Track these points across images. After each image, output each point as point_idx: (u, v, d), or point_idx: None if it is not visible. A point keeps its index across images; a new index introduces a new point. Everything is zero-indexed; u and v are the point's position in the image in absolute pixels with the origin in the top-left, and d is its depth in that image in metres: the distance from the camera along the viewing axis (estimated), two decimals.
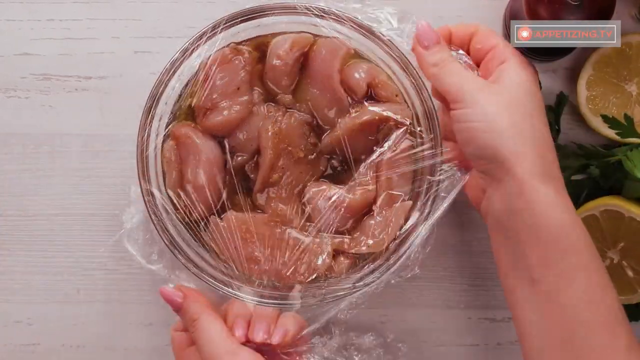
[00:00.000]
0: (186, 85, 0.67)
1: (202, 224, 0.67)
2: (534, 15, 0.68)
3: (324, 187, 0.67)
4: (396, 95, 0.67)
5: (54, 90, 0.77)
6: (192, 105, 0.67)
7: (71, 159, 0.77)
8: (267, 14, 0.66)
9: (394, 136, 0.67)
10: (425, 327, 0.78)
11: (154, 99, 0.65)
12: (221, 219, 0.67)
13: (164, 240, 0.65)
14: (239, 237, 0.66)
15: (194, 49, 0.65)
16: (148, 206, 0.65)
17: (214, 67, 0.66)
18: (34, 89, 0.77)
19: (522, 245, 0.61)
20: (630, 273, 0.72)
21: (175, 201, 0.67)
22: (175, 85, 0.66)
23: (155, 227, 0.65)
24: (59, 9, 0.77)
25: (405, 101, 0.67)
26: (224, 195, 0.67)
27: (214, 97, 0.67)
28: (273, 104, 0.68)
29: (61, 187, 0.77)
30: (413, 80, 0.66)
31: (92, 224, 0.77)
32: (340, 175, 0.69)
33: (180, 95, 0.67)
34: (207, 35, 0.65)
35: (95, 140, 0.77)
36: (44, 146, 0.77)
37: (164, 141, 0.67)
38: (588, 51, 0.74)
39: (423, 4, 0.76)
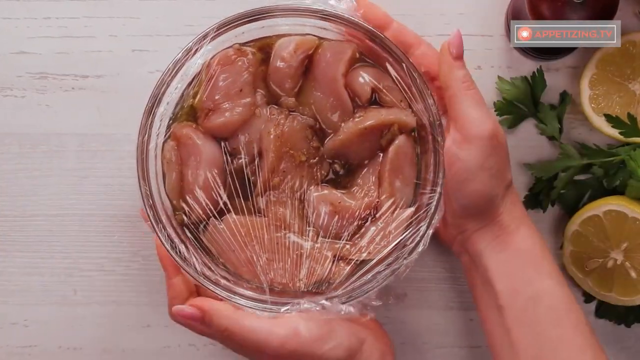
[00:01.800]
0: (188, 85, 0.66)
1: (201, 226, 0.67)
2: (536, 14, 0.68)
3: (326, 191, 0.67)
4: (400, 101, 0.66)
5: (50, 89, 0.76)
6: (194, 105, 0.67)
7: (68, 159, 0.77)
8: (272, 15, 0.65)
9: (397, 142, 0.66)
10: (427, 328, 0.77)
11: (156, 98, 0.65)
12: (221, 221, 0.66)
13: (162, 242, 0.64)
14: (239, 240, 0.66)
15: (197, 49, 0.65)
16: (147, 207, 0.64)
17: (217, 68, 0.65)
18: (30, 88, 0.76)
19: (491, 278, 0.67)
20: (633, 274, 0.72)
21: (174, 202, 0.66)
22: (178, 86, 0.66)
23: (154, 229, 0.64)
24: (55, 6, 0.76)
25: (410, 107, 0.66)
26: (224, 198, 0.66)
27: (216, 98, 0.66)
28: (276, 107, 0.67)
29: (58, 187, 0.77)
30: (418, 87, 0.65)
31: (89, 224, 0.77)
32: (342, 180, 0.68)
33: (182, 96, 0.67)
34: (211, 35, 0.65)
35: (92, 140, 0.76)
36: (40, 146, 0.77)
37: (164, 141, 0.66)
38: (591, 50, 0.74)
39: (427, 3, 0.76)
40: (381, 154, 0.67)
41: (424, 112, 0.65)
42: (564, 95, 0.76)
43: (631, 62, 0.73)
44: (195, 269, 0.64)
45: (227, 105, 0.66)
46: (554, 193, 0.74)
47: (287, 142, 0.66)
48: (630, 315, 0.75)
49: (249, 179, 0.67)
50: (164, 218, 0.65)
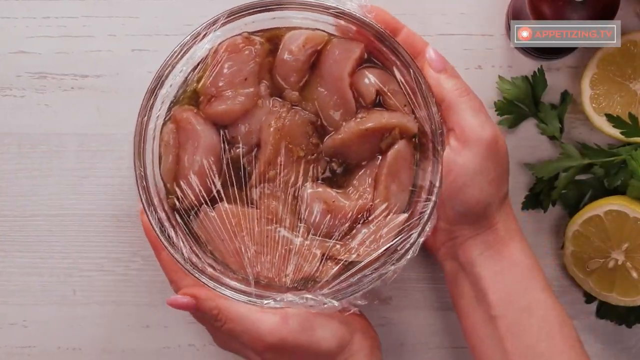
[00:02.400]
0: (193, 69, 0.66)
1: (193, 212, 0.66)
2: (537, 14, 0.67)
3: (320, 189, 0.66)
4: (404, 106, 0.66)
5: (50, 89, 0.76)
6: (197, 90, 0.66)
7: (68, 159, 0.77)
8: (286, 7, 0.65)
9: (397, 147, 0.66)
10: (424, 329, 0.77)
11: (159, 80, 0.64)
12: (212, 209, 0.66)
13: (152, 224, 0.64)
14: (229, 229, 0.65)
15: (205, 34, 0.64)
16: (140, 188, 0.64)
17: (224, 55, 0.65)
18: (29, 88, 0.76)
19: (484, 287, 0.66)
20: (634, 274, 0.71)
21: (168, 186, 0.66)
22: (182, 69, 0.65)
23: (145, 210, 0.64)
24: (55, 6, 0.76)
25: (413, 112, 0.66)
26: (218, 186, 0.66)
27: (219, 85, 0.66)
28: (279, 99, 0.67)
29: (58, 187, 0.77)
30: (423, 93, 0.65)
31: (89, 224, 0.77)
32: (338, 180, 0.68)
33: (185, 79, 0.66)
34: (221, 21, 0.64)
35: (92, 139, 0.76)
36: (40, 146, 0.76)
37: (163, 123, 0.66)
38: (592, 49, 0.73)
39: (428, 2, 0.76)
40: (380, 157, 0.67)
41: (427, 119, 0.65)
42: (564, 95, 0.75)
43: (632, 61, 0.73)
44: (183, 254, 0.64)
45: (230, 93, 0.66)
46: (555, 193, 0.74)
47: (286, 135, 0.66)
48: (631, 315, 0.75)
49: (244, 169, 0.66)
50: (156, 200, 0.64)
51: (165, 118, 0.66)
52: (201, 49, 0.65)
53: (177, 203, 0.66)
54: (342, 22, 0.66)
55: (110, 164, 0.76)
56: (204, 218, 0.66)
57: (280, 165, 0.66)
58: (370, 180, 0.67)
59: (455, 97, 0.65)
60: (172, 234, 0.65)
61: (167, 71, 0.64)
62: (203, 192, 0.66)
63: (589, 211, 0.72)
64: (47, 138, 0.76)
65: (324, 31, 0.67)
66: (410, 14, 0.75)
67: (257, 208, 0.66)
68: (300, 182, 0.67)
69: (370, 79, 0.66)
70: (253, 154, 0.67)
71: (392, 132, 0.66)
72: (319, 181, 0.67)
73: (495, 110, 0.75)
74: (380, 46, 0.66)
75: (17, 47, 0.76)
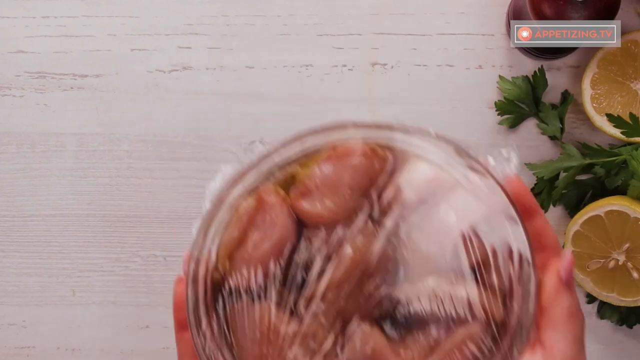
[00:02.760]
0: (303, 156, 0.60)
1: (234, 296, 0.59)
2: (538, 13, 0.67)
3: (374, 333, 0.59)
4: (499, 288, 0.59)
5: (49, 89, 0.76)
6: (296, 177, 0.60)
7: (67, 159, 0.76)
8: (429, 141, 0.59)
9: (469, 327, 0.59)
10: None
11: (267, 156, 0.59)
12: (257, 305, 0.59)
13: (188, 300, 0.58)
14: (264, 333, 0.59)
15: (329, 130, 0.59)
16: (194, 258, 0.58)
17: (340, 155, 0.59)
18: (29, 88, 0.76)
19: None
20: (635, 274, 0.71)
21: (220, 261, 0.59)
22: (291, 151, 0.59)
23: (187, 285, 0.58)
24: (54, 5, 0.76)
25: (504, 299, 0.58)
26: (273, 286, 0.59)
27: (321, 183, 0.59)
28: (375, 224, 0.60)
29: (56, 187, 0.76)
30: (527, 289, 0.58)
31: (88, 224, 0.76)
32: (396, 329, 0.60)
33: (288, 161, 0.60)
34: (349, 126, 0.59)
35: (91, 139, 0.76)
36: (39, 145, 0.76)
37: (246, 196, 0.59)
38: (593, 49, 0.73)
39: (427, 2, 0.75)
40: (449, 328, 0.59)
41: (516, 313, 0.58)
42: (565, 95, 0.75)
43: (633, 61, 0.73)
44: (205, 344, 0.58)
45: (327, 196, 0.60)
46: (556, 193, 0.74)
47: (366, 265, 0.59)
48: (632, 316, 0.75)
49: (307, 281, 0.59)
50: (201, 271, 0.59)
51: (248, 190, 0.59)
52: (318, 139, 0.59)
53: (221, 280, 0.59)
54: (477, 179, 0.59)
55: (109, 164, 0.76)
56: (242, 308, 0.59)
57: (343, 291, 0.59)
58: (427, 346, 0.59)
59: (562, 317, 0.58)
60: (203, 314, 0.59)
61: (277, 148, 0.59)
62: (254, 282, 0.59)
63: (590, 211, 0.72)
64: (46, 138, 0.76)
65: (453, 176, 0.59)
66: (409, 14, 0.75)
67: (301, 324, 0.59)
68: (355, 317, 0.59)
69: (477, 247, 0.59)
70: (321, 266, 0.59)
71: (473, 309, 0.59)
72: (376, 323, 0.60)
73: (496, 110, 0.75)
74: (503, 221, 0.59)
75: (17, 46, 0.76)
